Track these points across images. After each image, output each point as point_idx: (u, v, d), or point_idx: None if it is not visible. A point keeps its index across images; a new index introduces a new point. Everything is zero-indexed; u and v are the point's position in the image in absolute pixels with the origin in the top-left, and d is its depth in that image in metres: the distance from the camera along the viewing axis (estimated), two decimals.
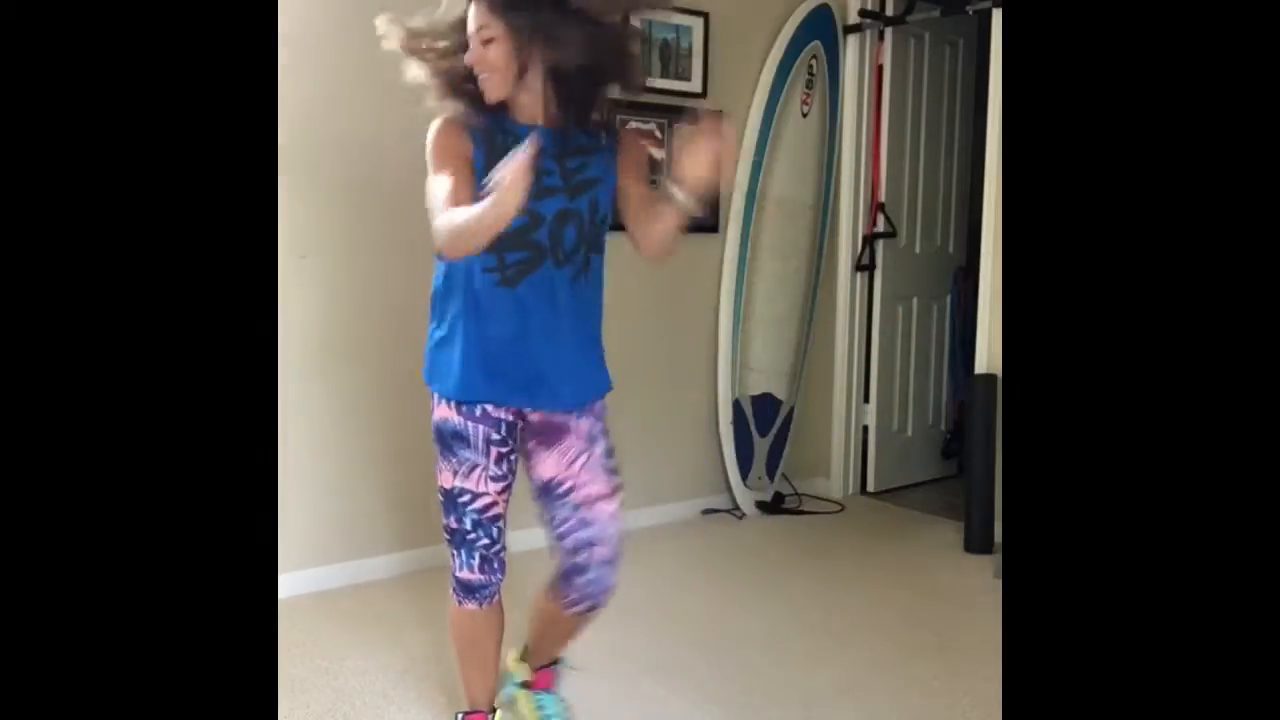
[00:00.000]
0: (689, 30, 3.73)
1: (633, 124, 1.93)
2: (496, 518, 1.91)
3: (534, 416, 1.89)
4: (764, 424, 4.09)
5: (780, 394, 4.13)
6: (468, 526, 1.90)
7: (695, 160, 1.67)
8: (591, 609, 1.95)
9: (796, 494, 4.19)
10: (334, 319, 3.14)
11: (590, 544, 1.89)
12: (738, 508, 4.05)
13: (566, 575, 1.92)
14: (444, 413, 1.88)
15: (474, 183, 1.74)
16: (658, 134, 3.63)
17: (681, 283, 3.84)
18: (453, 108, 1.80)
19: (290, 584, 3.07)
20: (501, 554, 1.94)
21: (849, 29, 4.12)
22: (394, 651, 2.72)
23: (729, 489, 4.06)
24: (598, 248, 1.86)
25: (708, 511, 4.03)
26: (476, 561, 1.91)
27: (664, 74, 3.68)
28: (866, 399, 4.37)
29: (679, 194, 1.73)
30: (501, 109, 1.79)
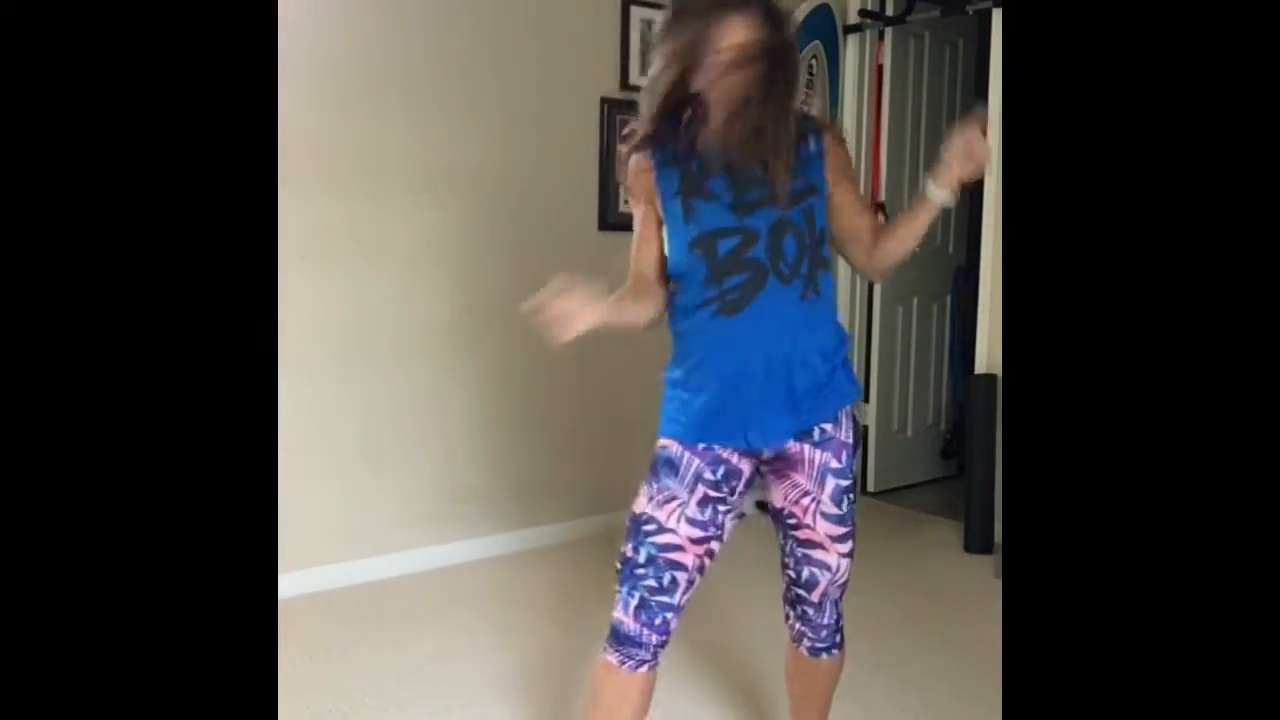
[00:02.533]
0: None
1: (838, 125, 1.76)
2: (675, 565, 1.67)
3: (768, 452, 1.72)
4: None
5: None
6: (640, 559, 1.67)
7: (963, 155, 1.63)
8: (814, 651, 1.84)
9: None
10: (335, 319, 3.14)
11: (807, 584, 1.78)
12: None
13: (787, 612, 1.85)
14: (663, 442, 1.72)
15: (655, 222, 1.71)
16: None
17: None
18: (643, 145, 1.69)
19: (290, 584, 3.07)
20: (668, 614, 1.68)
21: (849, 29, 4.12)
22: (394, 651, 2.72)
23: None
24: (824, 263, 1.69)
25: None
26: (635, 601, 1.67)
27: None
28: (866, 399, 4.37)
29: (940, 190, 1.68)
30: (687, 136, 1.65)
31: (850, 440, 1.73)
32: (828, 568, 1.75)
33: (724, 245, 1.63)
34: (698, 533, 1.68)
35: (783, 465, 1.72)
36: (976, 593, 3.24)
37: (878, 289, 4.30)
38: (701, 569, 1.70)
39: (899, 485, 4.46)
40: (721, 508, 1.70)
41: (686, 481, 1.68)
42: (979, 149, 1.61)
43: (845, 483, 1.73)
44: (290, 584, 3.07)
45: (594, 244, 3.54)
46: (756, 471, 1.76)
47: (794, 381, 1.66)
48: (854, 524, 1.77)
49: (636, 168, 1.71)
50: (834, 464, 1.71)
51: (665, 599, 1.68)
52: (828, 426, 1.70)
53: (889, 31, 4.16)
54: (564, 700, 2.45)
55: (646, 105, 1.65)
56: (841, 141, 1.76)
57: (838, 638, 1.86)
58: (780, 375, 1.65)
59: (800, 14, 3.95)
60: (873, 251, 1.75)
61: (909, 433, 4.53)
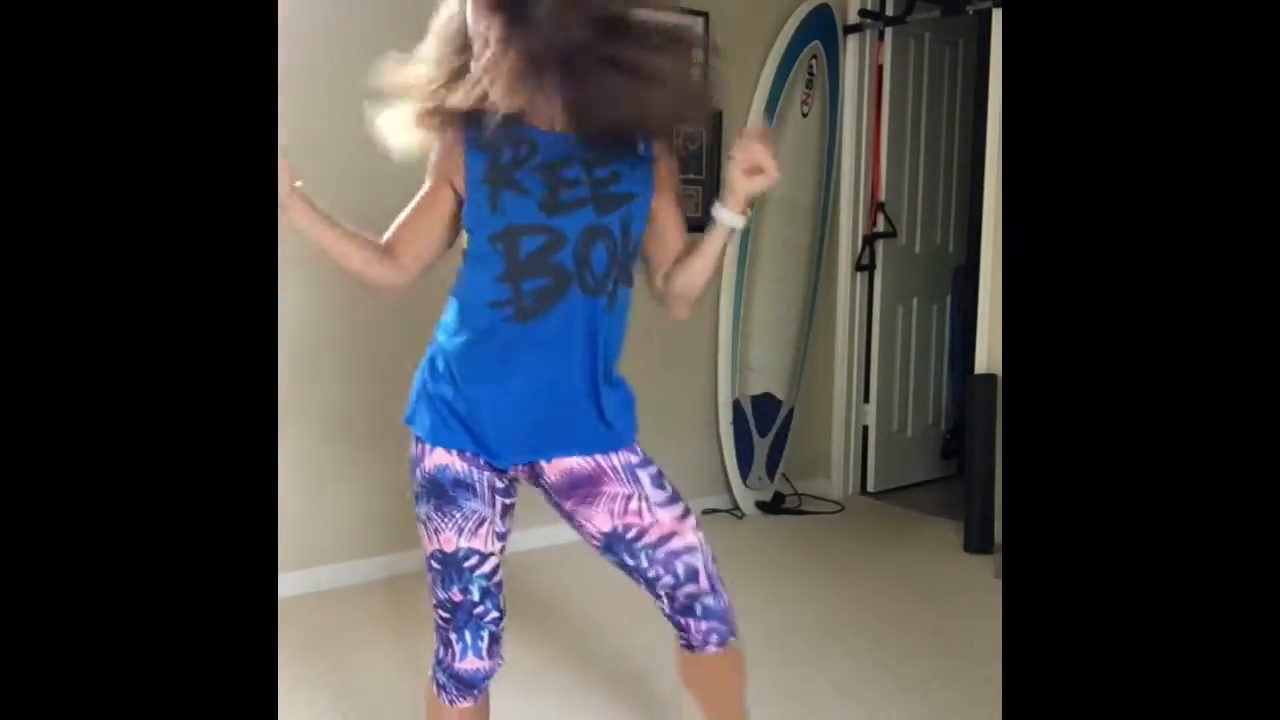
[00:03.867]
0: (689, 30, 3.73)
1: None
2: (501, 585, 1.62)
3: (552, 473, 1.60)
4: (764, 424, 4.10)
5: (780, 394, 4.14)
6: (475, 597, 1.58)
7: (748, 169, 1.45)
8: (722, 641, 1.65)
9: (796, 494, 4.20)
10: (336, 319, 3.14)
11: (687, 580, 1.61)
12: (738, 508, 4.05)
13: (681, 623, 1.65)
14: (441, 459, 1.57)
15: (442, 203, 1.60)
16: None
17: None
18: (445, 128, 1.57)
19: (290, 584, 3.07)
20: (502, 634, 1.63)
21: (849, 29, 4.12)
22: (394, 651, 2.72)
23: (729, 489, 4.06)
24: (626, 278, 1.57)
25: (708, 511, 4.03)
26: (485, 643, 1.59)
27: None
28: (866, 399, 4.38)
29: (728, 212, 1.49)
30: (520, 115, 1.52)
31: (641, 451, 1.63)
32: (694, 548, 1.60)
33: (527, 244, 1.50)
34: (502, 545, 1.62)
35: (586, 487, 1.59)
36: (976, 593, 3.24)
37: (878, 289, 4.30)
38: None
39: (899, 485, 4.46)
40: (511, 504, 1.62)
41: (486, 498, 1.58)
42: (765, 160, 1.43)
43: (655, 468, 1.62)
44: (290, 584, 3.07)
45: None
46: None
47: (587, 399, 1.56)
48: (684, 498, 1.65)
49: (448, 147, 1.58)
50: (633, 459, 1.60)
51: (502, 619, 1.61)
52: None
53: (889, 31, 4.16)
54: (564, 699, 2.45)
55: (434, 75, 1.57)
56: (673, 151, 1.61)
57: (733, 618, 1.68)
58: (576, 388, 1.55)
59: (800, 14, 3.95)
60: (668, 282, 1.60)
61: (909, 433, 4.53)
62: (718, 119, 3.85)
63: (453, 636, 1.60)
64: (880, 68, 4.19)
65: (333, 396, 3.16)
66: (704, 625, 1.63)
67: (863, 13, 4.11)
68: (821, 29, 4.02)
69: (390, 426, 3.28)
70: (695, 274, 1.56)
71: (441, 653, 1.63)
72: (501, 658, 1.64)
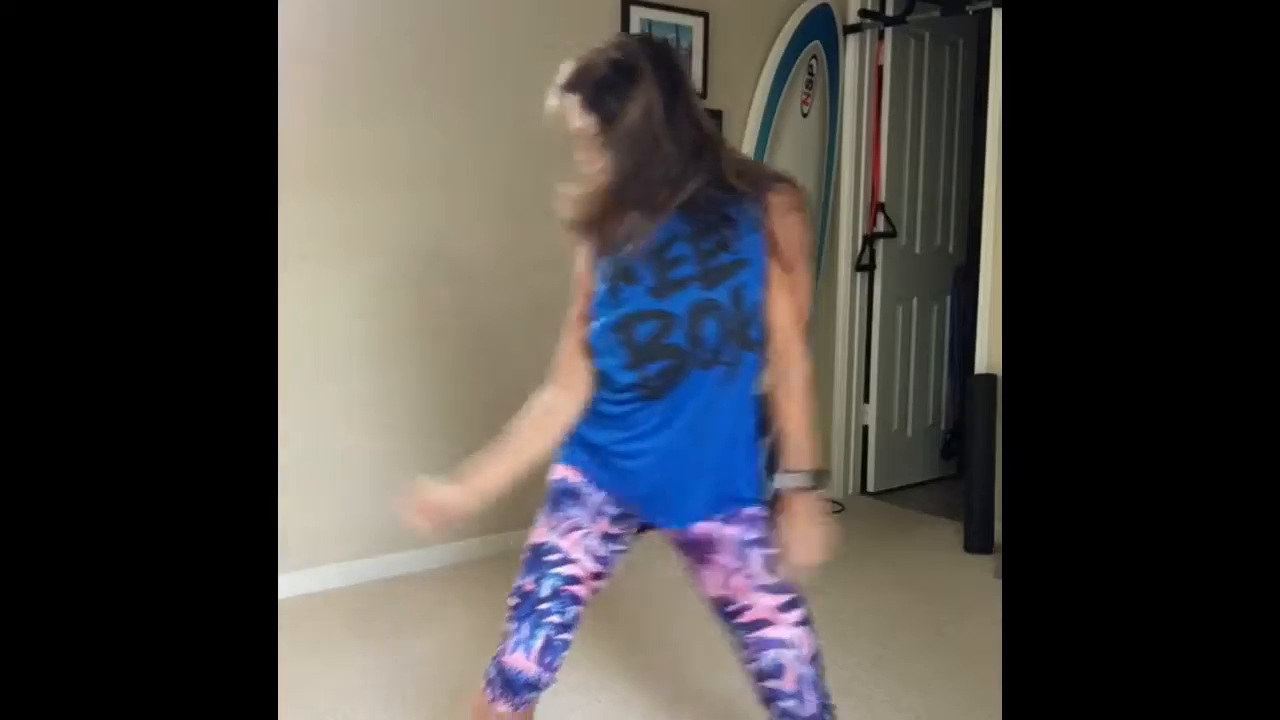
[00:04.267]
0: (689, 30, 3.73)
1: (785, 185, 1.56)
2: (576, 600, 1.59)
3: (671, 532, 1.63)
4: (764, 424, 4.09)
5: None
6: (544, 593, 1.57)
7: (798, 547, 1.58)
8: None
9: None
10: (336, 319, 3.14)
11: (771, 674, 1.59)
12: None
13: (764, 703, 1.63)
14: (562, 472, 1.63)
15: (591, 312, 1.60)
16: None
17: None
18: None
19: (290, 584, 3.07)
20: (565, 653, 1.60)
21: (849, 29, 4.12)
22: (394, 651, 2.72)
23: None
24: (748, 343, 1.54)
25: None
26: (539, 644, 1.56)
27: None
28: (866, 399, 4.38)
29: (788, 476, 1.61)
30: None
31: (761, 512, 1.63)
32: (784, 644, 1.59)
33: (643, 330, 1.52)
34: (597, 567, 1.61)
35: (700, 552, 1.62)
36: (976, 593, 3.24)
37: (878, 289, 4.30)
38: (589, 605, 1.63)
39: (899, 485, 4.46)
40: (615, 546, 1.64)
41: (589, 510, 1.60)
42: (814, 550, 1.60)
43: (771, 551, 1.60)
44: (290, 584, 3.07)
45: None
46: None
47: (708, 466, 1.59)
48: (798, 592, 1.64)
49: (584, 258, 1.61)
50: (749, 535, 1.60)
51: (567, 636, 1.59)
52: (745, 511, 1.61)
53: (889, 31, 4.16)
54: (565, 698, 2.45)
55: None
56: (795, 207, 1.54)
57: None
58: (699, 457, 1.58)
59: (800, 14, 3.95)
60: (772, 366, 1.61)
61: (909, 433, 4.53)
62: (717, 119, 3.86)
63: (512, 626, 1.60)
64: (880, 68, 4.19)
65: (333, 396, 3.16)
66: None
67: (863, 13, 4.11)
68: (821, 29, 4.02)
69: (390, 426, 3.29)
70: (782, 419, 1.66)
71: (501, 643, 1.62)
72: (552, 674, 1.59)
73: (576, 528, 1.60)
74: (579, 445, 1.63)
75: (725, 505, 1.61)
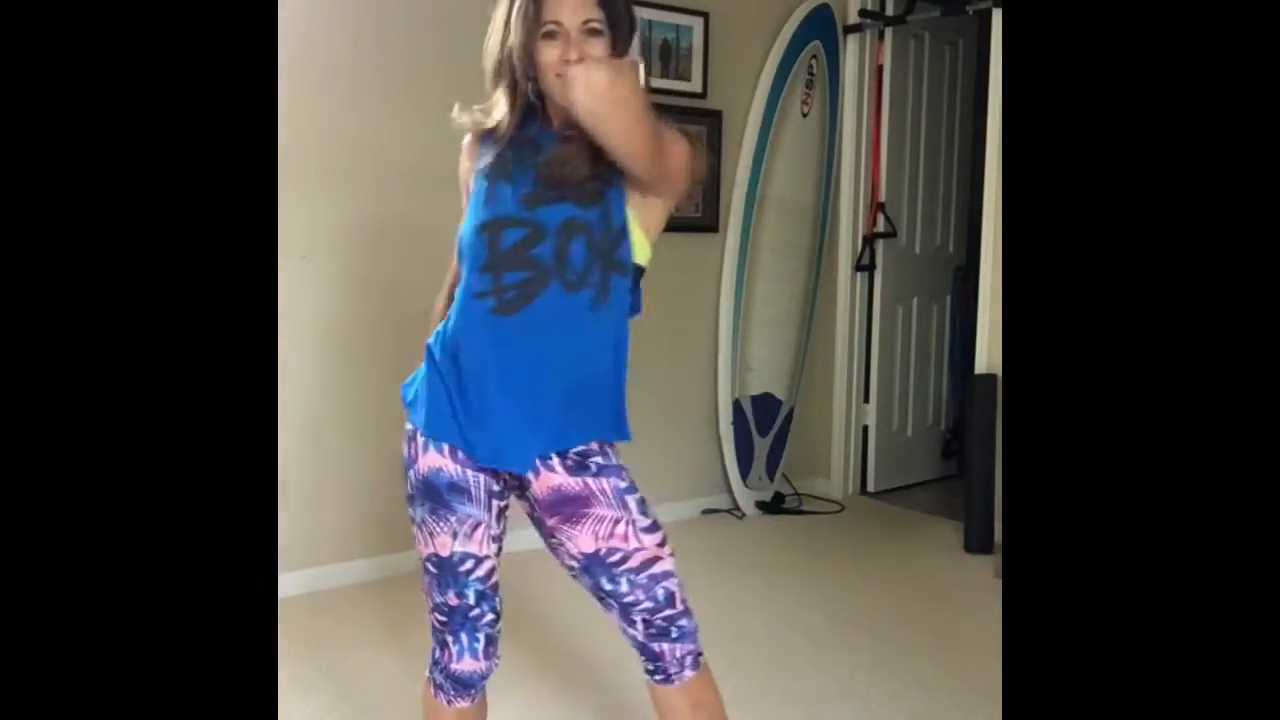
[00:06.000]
0: (689, 30, 3.73)
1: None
2: (497, 587, 1.62)
3: (540, 487, 1.56)
4: (764, 424, 4.10)
5: (780, 394, 4.14)
6: (470, 601, 1.59)
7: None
8: (696, 662, 1.61)
9: (796, 494, 4.20)
10: (335, 320, 3.14)
11: (667, 604, 1.58)
12: (738, 508, 4.05)
13: (656, 650, 1.60)
14: (435, 461, 1.56)
15: None
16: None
17: (681, 283, 3.84)
18: (473, 118, 1.61)
19: (291, 584, 3.07)
20: (499, 634, 1.64)
21: (849, 29, 4.12)
22: (394, 651, 2.72)
23: (729, 489, 4.06)
24: (619, 266, 1.50)
25: (708, 511, 4.03)
26: (481, 645, 1.61)
27: (664, 74, 3.68)
28: (866, 399, 4.38)
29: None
30: (532, 114, 1.55)
31: (621, 463, 1.58)
32: (672, 574, 1.58)
33: (509, 236, 1.48)
34: (498, 548, 1.62)
35: (572, 506, 1.55)
36: (976, 593, 3.24)
37: (878, 289, 4.30)
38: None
39: (899, 485, 4.46)
40: (507, 513, 1.62)
41: (482, 501, 1.57)
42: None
43: (639, 494, 1.57)
44: (290, 584, 3.07)
45: None
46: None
47: (562, 405, 1.52)
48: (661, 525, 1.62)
49: (466, 147, 1.64)
50: (621, 483, 1.55)
51: (499, 622, 1.62)
52: (596, 456, 1.55)
53: (889, 31, 4.16)
54: (565, 698, 2.45)
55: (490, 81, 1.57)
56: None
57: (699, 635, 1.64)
58: (548, 395, 1.51)
59: (800, 14, 3.95)
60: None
61: (909, 433, 4.53)
62: (718, 119, 3.86)
63: (449, 639, 1.61)
64: (880, 68, 4.19)
65: (333, 396, 3.15)
66: (680, 648, 1.60)
67: (863, 13, 4.11)
68: (821, 29, 4.02)
69: (390, 426, 3.28)
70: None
71: (438, 654, 1.64)
72: (498, 658, 1.65)
73: (478, 525, 1.57)
74: (445, 403, 1.56)
75: (583, 437, 1.54)
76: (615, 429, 1.57)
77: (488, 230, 1.51)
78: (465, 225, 1.57)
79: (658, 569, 1.57)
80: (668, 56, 3.70)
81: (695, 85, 3.77)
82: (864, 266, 4.27)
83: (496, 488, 1.59)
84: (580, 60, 1.45)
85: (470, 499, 1.56)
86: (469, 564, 1.58)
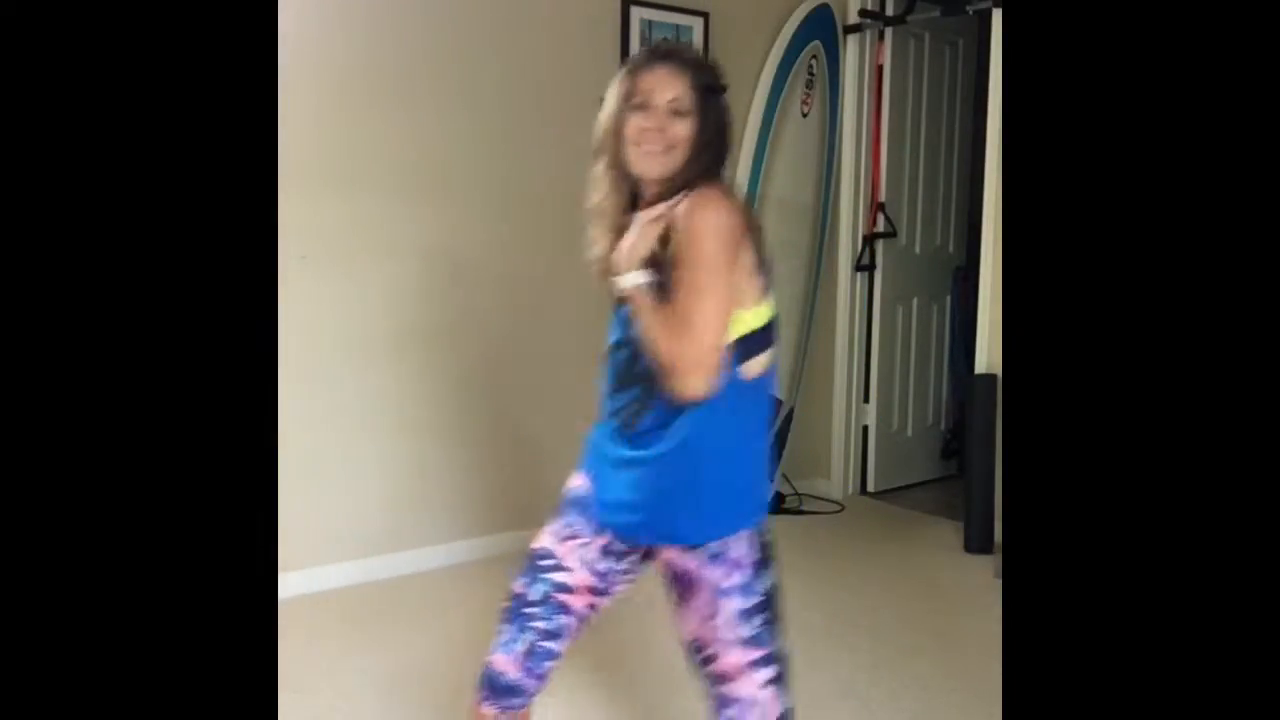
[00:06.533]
0: (689, 30, 3.73)
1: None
2: (566, 609, 1.57)
3: (665, 555, 1.56)
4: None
5: (780, 394, 4.13)
6: (533, 597, 1.57)
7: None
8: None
9: (796, 494, 4.20)
10: (334, 320, 3.14)
11: None
12: None
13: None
14: (577, 479, 1.62)
15: None
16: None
17: None
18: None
19: (290, 584, 3.07)
20: (551, 663, 1.58)
21: (849, 29, 4.12)
22: (394, 651, 2.72)
23: None
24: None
25: None
26: (522, 648, 1.56)
27: None
28: (866, 399, 4.38)
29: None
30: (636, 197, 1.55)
31: (753, 556, 1.53)
32: (746, 703, 1.53)
33: (617, 357, 1.53)
34: (593, 580, 1.57)
35: (683, 588, 1.55)
36: (976, 593, 3.24)
37: (878, 289, 4.30)
38: (586, 620, 1.60)
39: (899, 485, 4.46)
40: (618, 565, 1.58)
41: (593, 525, 1.56)
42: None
43: (748, 603, 1.52)
44: (290, 584, 3.07)
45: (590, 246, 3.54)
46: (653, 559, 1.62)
47: (686, 497, 1.50)
48: (774, 647, 1.55)
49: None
50: (727, 582, 1.51)
51: (552, 645, 1.57)
52: (714, 544, 1.50)
53: (889, 31, 4.16)
54: (565, 697, 2.45)
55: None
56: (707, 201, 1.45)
57: None
58: (672, 487, 1.49)
59: (800, 14, 3.95)
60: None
61: (909, 433, 4.53)
62: None
63: (502, 626, 1.61)
64: (880, 68, 4.19)
65: (335, 399, 3.15)
66: None
67: (863, 13, 4.11)
68: (821, 29, 4.02)
69: (391, 425, 3.29)
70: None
71: (492, 642, 1.63)
72: (538, 681, 1.59)
73: (575, 536, 1.58)
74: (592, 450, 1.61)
75: (703, 534, 1.51)
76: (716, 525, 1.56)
77: (610, 354, 1.56)
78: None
79: (731, 689, 1.55)
80: None
81: None
82: (864, 266, 4.27)
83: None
84: (660, 131, 1.48)
85: (583, 513, 1.59)
86: (549, 561, 1.59)
